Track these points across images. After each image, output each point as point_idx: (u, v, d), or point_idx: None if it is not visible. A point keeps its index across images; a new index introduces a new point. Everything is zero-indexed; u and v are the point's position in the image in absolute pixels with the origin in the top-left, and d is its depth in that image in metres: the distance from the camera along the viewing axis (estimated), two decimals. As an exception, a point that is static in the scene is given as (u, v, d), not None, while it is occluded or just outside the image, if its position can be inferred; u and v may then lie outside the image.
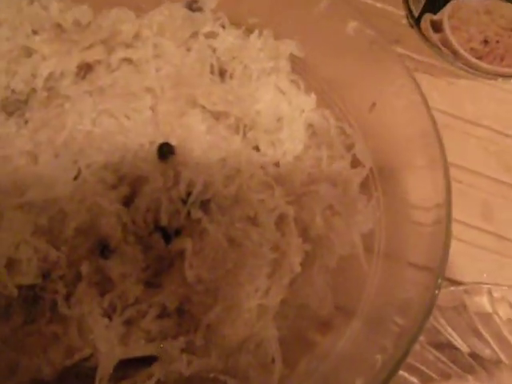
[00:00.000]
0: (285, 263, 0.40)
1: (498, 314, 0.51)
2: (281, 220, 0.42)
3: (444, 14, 0.60)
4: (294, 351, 0.43)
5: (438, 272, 0.37)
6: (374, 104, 0.47)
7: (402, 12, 0.66)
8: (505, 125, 0.62)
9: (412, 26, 0.65)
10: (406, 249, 0.42)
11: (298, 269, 0.40)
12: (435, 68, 0.63)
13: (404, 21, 0.65)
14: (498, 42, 0.60)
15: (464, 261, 0.54)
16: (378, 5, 0.66)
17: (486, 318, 0.52)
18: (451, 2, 0.59)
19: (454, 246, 0.54)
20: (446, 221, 0.38)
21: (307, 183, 0.44)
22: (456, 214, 0.55)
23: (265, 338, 0.41)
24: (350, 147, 0.48)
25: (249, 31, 0.50)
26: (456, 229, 0.54)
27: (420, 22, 0.63)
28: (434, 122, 0.42)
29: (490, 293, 0.51)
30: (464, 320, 0.51)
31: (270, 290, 0.40)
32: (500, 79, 0.64)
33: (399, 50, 0.64)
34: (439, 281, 0.37)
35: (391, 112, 0.45)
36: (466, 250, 0.55)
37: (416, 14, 0.64)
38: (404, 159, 0.45)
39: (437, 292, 0.37)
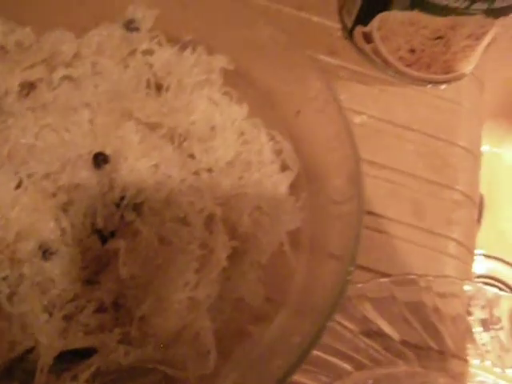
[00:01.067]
0: (212, 259, 0.44)
1: (425, 303, 0.55)
2: (209, 220, 0.45)
3: (373, 26, 0.65)
4: (230, 342, 0.46)
5: (349, 260, 0.41)
6: (298, 111, 0.51)
7: (338, 25, 0.70)
8: (434, 128, 0.66)
9: (346, 38, 0.69)
10: (327, 242, 0.46)
11: (225, 263, 0.44)
12: (368, 77, 0.68)
13: (339, 33, 0.70)
14: (423, 50, 0.64)
15: (395, 255, 0.58)
16: (315, 19, 0.71)
17: (415, 306, 0.55)
18: (379, 14, 0.63)
19: (387, 241, 0.58)
20: (357, 212, 0.42)
21: (237, 187, 0.48)
22: (389, 212, 0.60)
23: (200, 330, 0.44)
24: (279, 152, 0.52)
25: (184, 48, 0.54)
26: (389, 226, 0.59)
27: (353, 33, 0.68)
28: (347, 123, 0.46)
29: (416, 283, 0.55)
30: (394, 309, 0.55)
31: (199, 284, 0.43)
32: (429, 85, 0.68)
33: (335, 61, 0.68)
34: (350, 268, 0.41)
35: (312, 116, 0.49)
36: (397, 245, 0.59)
37: (349, 27, 0.68)
38: (325, 160, 0.49)
39: (349, 277, 0.41)
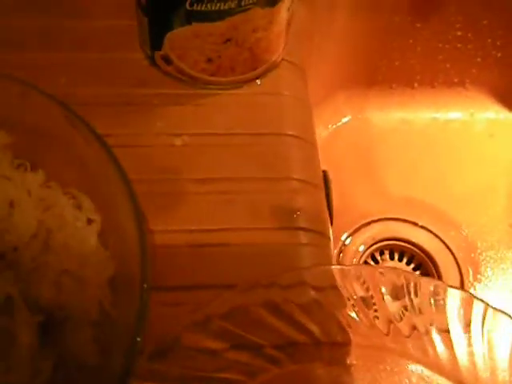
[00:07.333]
0: (17, 343, 0.43)
1: (274, 301, 0.55)
2: (8, 303, 0.45)
3: (166, 48, 0.65)
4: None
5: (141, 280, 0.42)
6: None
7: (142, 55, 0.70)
8: (257, 126, 0.66)
9: (152, 65, 0.69)
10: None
11: (29, 340, 0.44)
12: (182, 96, 0.68)
13: (145, 62, 0.70)
14: (219, 57, 0.65)
15: (240, 263, 0.58)
16: (120, 55, 0.70)
17: (270, 307, 0.55)
18: (165, 36, 0.63)
19: (227, 252, 0.58)
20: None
21: (39, 255, 0.48)
22: (225, 223, 0.60)
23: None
24: (80, 207, 0.52)
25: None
26: (227, 237, 0.58)
27: (154, 59, 0.68)
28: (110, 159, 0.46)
29: (261, 284, 0.55)
30: (251, 317, 0.55)
31: (11, 370, 0.43)
32: (245, 86, 0.69)
33: (147, 90, 0.68)
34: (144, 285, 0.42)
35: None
36: (240, 252, 0.59)
37: (150, 54, 0.68)
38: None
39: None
